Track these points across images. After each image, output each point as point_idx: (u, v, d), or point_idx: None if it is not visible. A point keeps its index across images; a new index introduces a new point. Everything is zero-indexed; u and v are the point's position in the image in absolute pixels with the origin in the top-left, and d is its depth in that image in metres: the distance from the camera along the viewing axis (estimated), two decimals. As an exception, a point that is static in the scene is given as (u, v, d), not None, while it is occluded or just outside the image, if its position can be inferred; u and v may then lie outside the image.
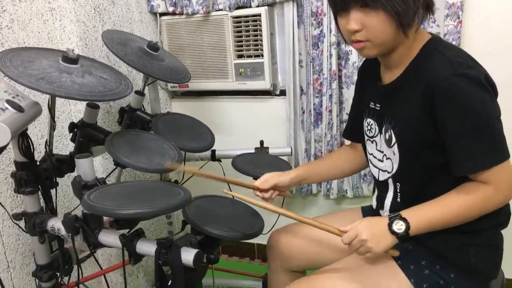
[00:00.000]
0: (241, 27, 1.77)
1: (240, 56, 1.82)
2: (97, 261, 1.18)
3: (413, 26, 0.91)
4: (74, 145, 1.32)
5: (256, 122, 1.97)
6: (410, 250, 1.03)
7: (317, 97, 1.77)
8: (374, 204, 1.16)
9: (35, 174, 1.11)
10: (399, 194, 1.05)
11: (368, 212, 1.23)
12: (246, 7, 1.76)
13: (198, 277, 1.12)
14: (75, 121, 1.34)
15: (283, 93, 1.86)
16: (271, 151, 1.68)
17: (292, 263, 1.26)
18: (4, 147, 0.92)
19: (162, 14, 1.91)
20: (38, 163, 1.16)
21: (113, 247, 1.05)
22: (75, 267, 1.21)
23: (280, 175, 1.20)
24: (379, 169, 1.09)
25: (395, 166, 1.02)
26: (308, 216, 1.07)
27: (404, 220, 0.92)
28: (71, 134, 1.33)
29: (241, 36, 1.78)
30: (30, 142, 1.08)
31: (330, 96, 1.72)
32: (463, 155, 0.90)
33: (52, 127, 1.21)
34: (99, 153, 1.38)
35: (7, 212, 1.28)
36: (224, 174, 1.67)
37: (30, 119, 1.01)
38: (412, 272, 0.99)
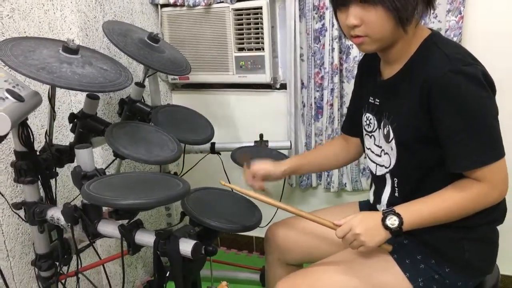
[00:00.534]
0: (242, 19, 1.76)
1: (241, 49, 1.81)
2: (96, 251, 1.19)
3: (412, 22, 0.91)
4: (74, 135, 1.32)
5: (256, 115, 1.97)
6: (405, 245, 1.03)
7: (317, 91, 1.77)
8: (371, 198, 1.17)
9: (35, 164, 1.12)
10: (396, 189, 1.05)
11: (365, 206, 1.23)
12: (248, -1, 1.75)
13: (196, 269, 1.13)
14: (75, 111, 1.34)
15: (283, 86, 1.86)
16: (270, 144, 1.68)
17: (289, 256, 1.27)
18: (4, 137, 0.93)
19: (163, 6, 1.91)
20: (38, 153, 1.17)
21: (112, 238, 1.06)
22: (74, 256, 1.22)
23: (273, 165, 1.22)
24: (377, 164, 1.09)
25: (393, 161, 1.03)
26: (305, 210, 1.08)
27: (398, 215, 0.93)
28: (71, 124, 1.33)
29: (242, 29, 1.78)
30: (30, 132, 1.09)
31: (332, 90, 1.72)
32: (459, 153, 0.90)
33: (52, 117, 1.21)
34: (98, 144, 1.38)
35: (7, 202, 1.29)
36: (224, 167, 1.68)
37: (30, 109, 1.02)
38: (408, 266, 1.00)
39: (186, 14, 1.86)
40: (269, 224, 1.35)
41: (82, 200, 1.06)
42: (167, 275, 1.04)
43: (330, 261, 1.08)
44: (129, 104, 1.50)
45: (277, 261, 1.30)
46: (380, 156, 1.07)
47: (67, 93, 1.56)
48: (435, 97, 0.89)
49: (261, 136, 1.70)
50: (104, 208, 1.11)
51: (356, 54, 1.65)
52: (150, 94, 1.69)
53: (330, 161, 1.30)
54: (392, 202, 1.07)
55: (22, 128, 1.06)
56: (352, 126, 1.25)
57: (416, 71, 0.94)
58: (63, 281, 1.24)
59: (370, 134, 1.10)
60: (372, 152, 1.10)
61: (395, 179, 1.05)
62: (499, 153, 0.89)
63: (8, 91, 0.95)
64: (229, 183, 1.62)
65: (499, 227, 1.04)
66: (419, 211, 0.94)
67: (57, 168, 1.23)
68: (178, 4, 1.85)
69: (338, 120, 1.75)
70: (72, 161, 1.27)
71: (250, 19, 1.75)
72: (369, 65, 1.11)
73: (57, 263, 1.20)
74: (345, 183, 1.85)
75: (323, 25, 1.67)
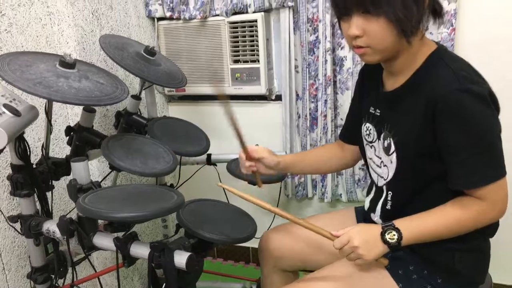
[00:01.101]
0: (237, 32, 1.79)
1: (236, 61, 1.84)
2: (91, 263, 1.19)
3: (417, 34, 0.90)
4: (70, 148, 1.33)
5: (251, 126, 1.98)
6: (399, 256, 1.04)
7: (312, 102, 1.79)
8: (367, 206, 1.16)
9: (31, 177, 1.13)
10: (389, 201, 1.05)
11: (361, 213, 1.23)
12: (243, 13, 1.78)
13: (192, 281, 1.14)
14: (72, 124, 1.35)
15: (278, 98, 1.88)
16: (266, 155, 1.69)
17: (284, 262, 1.27)
18: (1, 151, 0.94)
19: (159, 19, 1.93)
20: (34, 166, 1.18)
21: (107, 250, 1.06)
22: (70, 269, 1.22)
23: (270, 153, 1.19)
24: (378, 175, 1.08)
25: (390, 174, 1.02)
26: (302, 217, 1.07)
27: (397, 230, 0.92)
28: (67, 137, 1.34)
29: (238, 42, 1.80)
30: (26, 145, 1.10)
31: (325, 101, 1.74)
32: (462, 171, 0.90)
33: (49, 130, 1.22)
34: (95, 156, 1.39)
35: (3, 215, 1.29)
36: (219, 179, 1.69)
37: (27, 123, 1.03)
38: (401, 277, 1.01)
39: (182, 27, 1.88)
40: (264, 235, 1.36)
41: (78, 213, 1.07)
42: (163, 287, 1.04)
43: (322, 272, 1.08)
44: (125, 117, 1.51)
45: (272, 268, 1.29)
46: (380, 167, 1.07)
47: (63, 106, 1.57)
48: (440, 114, 0.88)
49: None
50: (100, 221, 1.11)
51: (349, 66, 1.67)
52: (146, 106, 1.70)
53: (324, 165, 1.29)
54: (385, 213, 1.07)
55: (18, 142, 1.07)
56: (349, 134, 1.25)
57: (422, 87, 0.92)
58: (58, 294, 1.24)
59: (370, 144, 1.10)
60: (374, 162, 1.09)
61: (389, 192, 1.05)
62: (501, 172, 0.90)
63: (5, 105, 0.96)
64: (225, 194, 1.63)
65: (492, 238, 1.04)
66: (418, 227, 0.94)
67: (53, 181, 1.24)
68: (174, 17, 1.88)
69: (331, 131, 1.76)
70: (69, 174, 1.27)
71: (245, 31, 1.77)
72: (371, 74, 1.10)
73: (53, 276, 1.20)
74: (340, 194, 1.86)
75: (316, 37, 1.70)
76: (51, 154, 1.31)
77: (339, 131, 1.74)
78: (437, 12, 0.94)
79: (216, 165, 1.70)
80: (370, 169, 1.13)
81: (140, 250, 1.00)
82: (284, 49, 1.74)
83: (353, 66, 1.67)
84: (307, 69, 1.75)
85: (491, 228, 1.02)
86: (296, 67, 1.78)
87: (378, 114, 1.05)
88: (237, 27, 1.78)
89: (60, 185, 1.54)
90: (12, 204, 1.36)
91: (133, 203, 0.99)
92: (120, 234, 1.07)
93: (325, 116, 1.75)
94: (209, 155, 1.68)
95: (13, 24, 1.35)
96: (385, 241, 0.93)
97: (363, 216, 1.20)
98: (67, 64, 1.09)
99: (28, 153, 1.11)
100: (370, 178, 1.15)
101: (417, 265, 1.02)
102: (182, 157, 1.51)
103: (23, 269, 1.41)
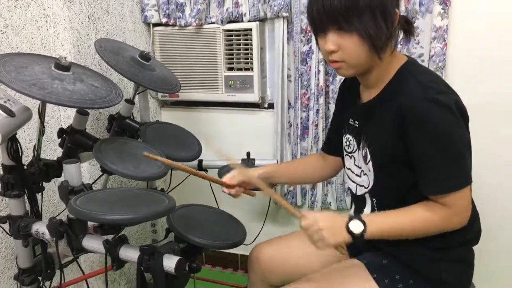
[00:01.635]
0: (232, 40, 1.81)
1: (230, 69, 1.85)
2: (79, 266, 1.19)
3: (387, 50, 0.96)
4: (62, 150, 1.34)
5: (243, 133, 2.00)
6: (384, 265, 1.06)
7: (304, 111, 1.81)
8: None
9: (22, 178, 1.13)
10: (376, 208, 1.08)
11: None
12: (238, 21, 1.80)
13: (180, 286, 1.14)
14: (64, 126, 1.35)
15: (271, 106, 1.90)
16: (257, 162, 1.70)
17: (272, 277, 1.28)
18: (-7, 150, 0.94)
19: (155, 25, 1.95)
20: (25, 167, 1.17)
21: (96, 253, 1.07)
22: (57, 272, 1.21)
23: (248, 171, 1.22)
24: (357, 184, 1.12)
25: (371, 182, 1.06)
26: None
27: (363, 222, 0.94)
28: (59, 139, 1.34)
29: (232, 50, 1.82)
30: (18, 146, 1.10)
31: (317, 110, 1.76)
32: (428, 178, 0.94)
33: (41, 132, 1.22)
34: (86, 159, 1.39)
35: (-8, 215, 1.28)
36: (210, 185, 1.70)
37: (20, 124, 1.03)
38: (386, 286, 1.02)
39: (177, 34, 1.90)
40: (254, 242, 1.37)
41: (67, 215, 1.07)
42: (151, 291, 1.04)
43: (307, 279, 1.09)
44: (118, 120, 1.52)
45: (260, 282, 1.30)
46: (360, 176, 1.10)
47: (56, 108, 1.57)
48: (408, 124, 0.92)
49: (248, 154, 1.72)
50: (89, 223, 1.11)
51: (341, 77, 1.70)
52: (139, 110, 1.71)
53: (305, 175, 1.33)
54: None
55: (11, 142, 1.07)
56: (331, 146, 1.28)
57: (391, 98, 0.97)
58: (45, 296, 1.23)
59: (350, 155, 1.14)
60: (352, 172, 1.13)
61: (374, 199, 1.08)
62: (465, 181, 0.93)
63: (-1, 106, 0.97)
64: (215, 200, 1.64)
65: (476, 247, 1.07)
66: (384, 222, 0.96)
67: (43, 183, 1.24)
68: (170, 23, 1.89)
69: (323, 140, 1.79)
70: (59, 176, 1.27)
71: (240, 40, 1.80)
72: (350, 87, 1.15)
73: (40, 278, 1.19)
74: (330, 202, 1.88)
75: (310, 47, 1.72)
76: (42, 155, 1.30)
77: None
78: (408, 30, 1.01)
79: (207, 171, 1.71)
80: (348, 179, 1.17)
81: (130, 253, 1.01)
82: (278, 58, 1.76)
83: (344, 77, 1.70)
84: (300, 78, 1.78)
85: (473, 235, 1.05)
86: (289, 76, 1.80)
87: (357, 125, 1.10)
88: (232, 35, 1.80)
89: (50, 187, 1.54)
90: (1, 205, 1.35)
91: (124, 206, 1.00)
92: (110, 238, 1.07)
93: (317, 125, 1.78)
94: (200, 161, 1.68)
95: (8, 25, 1.36)
96: (349, 230, 0.94)
97: None
98: (63, 66, 1.10)
99: (20, 154, 1.11)
100: (349, 189, 1.18)
101: (403, 274, 1.03)
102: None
103: (9, 271, 1.40)
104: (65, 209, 1.09)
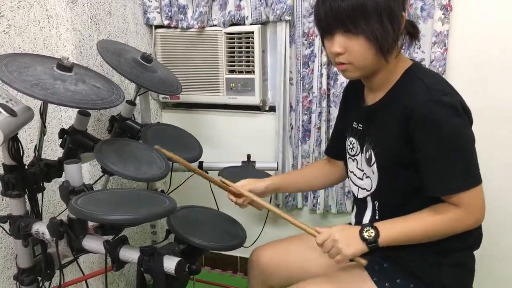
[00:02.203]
0: (234, 43, 1.82)
1: (231, 71, 1.86)
2: (79, 266, 1.19)
3: (393, 52, 0.96)
4: (62, 150, 1.34)
5: (244, 136, 2.00)
6: (385, 268, 1.06)
7: (305, 114, 1.81)
8: (353, 221, 1.19)
9: (23, 178, 1.13)
10: (377, 211, 1.08)
11: None
12: (240, 24, 1.81)
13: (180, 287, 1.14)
14: (65, 127, 1.36)
15: (272, 109, 1.90)
16: (257, 165, 1.71)
17: (272, 280, 1.28)
18: (-5, 150, 0.94)
19: (157, 27, 1.96)
20: (26, 167, 1.18)
21: (96, 253, 1.06)
22: (57, 272, 1.21)
23: (256, 182, 1.23)
24: (359, 187, 1.12)
25: (374, 185, 1.06)
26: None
27: (375, 228, 0.96)
28: (60, 139, 1.34)
29: (234, 52, 1.83)
30: (20, 146, 1.10)
31: (320, 113, 1.76)
32: (436, 178, 0.94)
33: (43, 132, 1.22)
34: (87, 159, 1.39)
35: (-8, 215, 1.28)
36: (211, 186, 1.70)
37: (22, 124, 1.03)
38: (387, 289, 1.02)
39: (179, 36, 1.90)
40: (254, 245, 1.36)
41: (68, 215, 1.07)
42: (150, 292, 1.04)
43: (310, 282, 1.09)
44: (119, 122, 1.52)
45: (260, 285, 1.30)
46: (362, 179, 1.11)
47: (58, 108, 1.57)
48: (414, 125, 0.93)
49: (248, 156, 1.72)
50: (90, 224, 1.11)
51: (343, 80, 1.70)
52: (140, 112, 1.71)
53: (313, 182, 1.34)
54: (373, 223, 1.09)
55: (12, 142, 1.07)
56: (335, 150, 1.28)
57: (397, 100, 0.98)
58: (44, 296, 1.23)
59: (353, 158, 1.14)
60: (355, 175, 1.14)
61: (376, 202, 1.08)
62: (475, 180, 0.93)
63: (1, 105, 0.97)
64: (215, 202, 1.64)
65: (477, 252, 1.07)
66: (396, 228, 0.97)
67: (44, 183, 1.24)
68: (172, 25, 1.90)
69: (325, 143, 1.79)
70: (60, 176, 1.27)
71: (241, 43, 1.80)
72: (354, 91, 1.15)
73: (40, 278, 1.19)
74: (330, 205, 1.87)
75: (312, 51, 1.73)
76: (42, 156, 1.31)
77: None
78: (413, 34, 1.02)
79: (208, 173, 1.71)
80: (351, 182, 1.17)
81: (130, 254, 1.01)
82: (280, 61, 1.76)
83: (346, 80, 1.70)
84: (301, 81, 1.78)
85: (475, 240, 1.04)
86: (290, 79, 1.81)
87: (361, 128, 1.10)
88: (233, 38, 1.81)
89: (50, 187, 1.54)
90: (2, 204, 1.35)
91: (125, 207, 1.00)
92: (109, 238, 1.07)
93: (319, 128, 1.78)
94: (201, 163, 1.68)
95: (11, 25, 1.36)
96: (363, 238, 0.96)
97: None
98: (65, 67, 1.10)
99: (21, 153, 1.11)
100: (351, 192, 1.18)
101: (404, 278, 1.03)
102: (174, 163, 1.51)
103: (9, 271, 1.40)
104: (65, 209, 1.09)
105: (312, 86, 1.76)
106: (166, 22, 1.90)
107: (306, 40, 1.73)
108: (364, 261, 1.02)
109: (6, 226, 1.17)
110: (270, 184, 1.24)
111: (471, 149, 0.94)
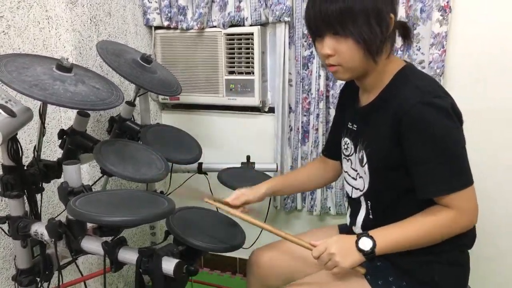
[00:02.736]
0: (233, 44, 1.82)
1: (231, 72, 1.86)
2: (78, 267, 1.18)
3: (382, 54, 0.97)
4: (61, 151, 1.34)
5: (244, 137, 2.00)
6: (378, 266, 1.06)
7: (305, 115, 1.81)
8: (348, 221, 1.20)
9: (22, 179, 1.12)
10: (370, 211, 1.09)
11: (345, 229, 1.26)
12: (240, 25, 1.81)
13: (178, 289, 1.14)
14: (65, 128, 1.36)
15: (271, 110, 1.91)
16: (257, 166, 1.71)
17: (271, 282, 1.28)
18: (-6, 150, 0.94)
19: (157, 28, 1.96)
20: (25, 168, 1.17)
21: (95, 254, 1.06)
22: (55, 273, 1.21)
23: (252, 190, 1.25)
24: (352, 187, 1.13)
25: (366, 185, 1.07)
26: (290, 233, 1.10)
27: (371, 238, 0.96)
28: (59, 140, 1.34)
29: (233, 53, 1.83)
30: (19, 146, 1.10)
31: (318, 115, 1.76)
32: (427, 180, 0.94)
33: (42, 133, 1.22)
34: (86, 160, 1.39)
35: (-9, 215, 1.28)
36: (210, 187, 1.70)
37: (21, 124, 1.03)
38: (380, 287, 1.03)
39: (179, 37, 1.91)
40: (252, 246, 1.36)
41: (67, 216, 1.07)
42: (149, 294, 1.04)
43: (304, 282, 1.11)
44: (119, 122, 1.52)
45: (259, 286, 1.30)
46: (355, 179, 1.11)
47: (57, 109, 1.57)
48: (405, 126, 0.93)
49: (248, 158, 1.72)
50: (89, 225, 1.11)
51: (342, 82, 1.70)
52: (140, 113, 1.71)
53: (309, 183, 1.35)
54: (367, 224, 1.10)
55: (11, 143, 1.07)
56: (332, 150, 1.29)
57: (389, 102, 0.99)
58: (43, 297, 1.23)
59: (347, 158, 1.15)
60: (349, 175, 1.14)
61: (368, 202, 1.09)
62: (466, 181, 0.93)
63: (0, 106, 0.97)
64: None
65: (473, 252, 1.07)
66: (392, 235, 0.97)
67: (43, 183, 1.24)
68: (171, 27, 1.90)
69: (323, 144, 1.79)
70: (59, 177, 1.27)
71: (241, 44, 1.80)
72: (350, 92, 1.16)
73: (38, 279, 1.19)
74: (329, 207, 1.87)
75: (311, 52, 1.73)
76: (42, 156, 1.30)
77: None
78: (405, 35, 1.03)
79: (207, 174, 1.71)
80: (345, 182, 1.18)
81: (128, 255, 1.00)
82: (279, 62, 1.77)
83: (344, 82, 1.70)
84: (301, 83, 1.78)
85: (469, 239, 1.05)
86: (290, 80, 1.81)
87: (355, 129, 1.11)
88: (233, 39, 1.81)
89: (49, 188, 1.54)
90: (0, 205, 1.35)
91: (124, 208, 1.00)
92: (108, 239, 1.07)
93: (317, 129, 1.78)
94: (200, 164, 1.69)
95: (11, 26, 1.36)
96: (359, 249, 0.96)
97: (346, 232, 1.23)
98: (64, 68, 1.10)
99: (20, 154, 1.11)
100: (346, 192, 1.19)
101: (397, 276, 1.04)
102: (174, 164, 1.51)
103: (7, 271, 1.40)
104: (64, 210, 1.09)
105: (311, 88, 1.76)
106: (166, 23, 1.90)
107: (305, 41, 1.74)
108: (363, 270, 1.03)
109: (5, 226, 1.16)
110: (266, 190, 1.26)
111: (461, 151, 0.94)
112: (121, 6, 1.79)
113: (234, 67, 1.85)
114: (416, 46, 1.59)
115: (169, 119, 2.12)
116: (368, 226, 1.08)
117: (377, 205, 1.07)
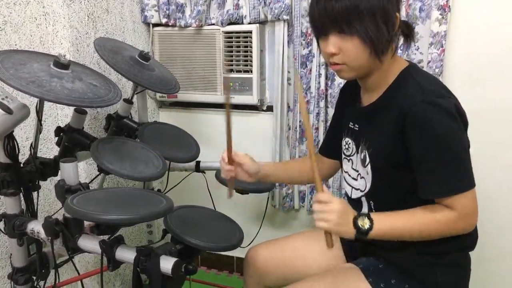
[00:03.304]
0: (232, 42, 1.81)
1: (229, 71, 1.85)
2: (75, 266, 1.18)
3: (387, 53, 0.96)
4: (58, 149, 1.33)
5: (242, 136, 1.98)
6: (380, 269, 1.06)
7: (303, 114, 1.81)
8: None
9: (18, 176, 1.12)
10: (373, 211, 1.08)
11: None
12: (238, 23, 1.80)
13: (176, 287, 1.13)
14: (61, 125, 1.35)
15: (270, 109, 1.90)
16: (255, 165, 1.70)
17: (268, 279, 1.27)
18: (-10, 148, 0.93)
19: (155, 25, 1.94)
20: (21, 165, 1.16)
21: (92, 253, 1.06)
22: (52, 272, 1.20)
23: (252, 160, 1.18)
24: (352, 187, 1.12)
25: (368, 185, 1.06)
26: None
27: (370, 219, 0.93)
28: (56, 138, 1.33)
29: (232, 51, 1.82)
30: (15, 143, 1.09)
31: (318, 114, 1.76)
32: (429, 180, 0.93)
33: (39, 130, 1.21)
34: (83, 158, 1.38)
35: (-14, 213, 1.27)
36: (208, 186, 1.69)
37: (18, 121, 1.02)
38: (382, 289, 1.02)
39: (177, 34, 1.89)
40: (250, 245, 1.36)
41: (63, 214, 1.06)
42: (146, 292, 1.03)
43: (305, 281, 1.09)
44: (116, 120, 1.51)
45: (256, 284, 1.30)
46: (356, 179, 1.10)
47: (54, 106, 1.56)
48: (408, 126, 0.92)
49: (246, 156, 1.72)
50: (86, 223, 1.10)
51: (341, 80, 1.70)
52: (137, 110, 1.70)
53: (301, 176, 1.29)
54: None
55: (7, 140, 1.06)
56: (329, 149, 1.28)
57: (392, 101, 0.98)
58: (39, 296, 1.22)
59: (348, 158, 1.14)
60: (349, 175, 1.14)
61: (371, 202, 1.08)
62: (468, 184, 0.92)
63: (-4, 102, 0.96)
64: (212, 201, 1.63)
65: (474, 253, 1.06)
66: (390, 222, 0.95)
67: (39, 181, 1.23)
68: (170, 24, 1.89)
69: (322, 144, 1.78)
70: (56, 175, 1.26)
71: (239, 42, 1.79)
72: (351, 91, 1.15)
73: (35, 277, 1.18)
74: (327, 206, 1.87)
75: (310, 51, 1.72)
76: (38, 154, 1.29)
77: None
78: (408, 35, 1.02)
79: (204, 173, 1.70)
80: (344, 182, 1.17)
81: (126, 254, 1.00)
82: (278, 61, 1.76)
83: (343, 81, 1.69)
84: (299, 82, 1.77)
85: (471, 241, 1.04)
86: (288, 79, 1.80)
87: (357, 129, 1.10)
88: (231, 37, 1.80)
89: (46, 186, 1.53)
90: (-4, 203, 1.34)
91: (122, 206, 0.99)
92: (105, 238, 1.06)
93: (317, 128, 1.77)
94: (198, 162, 1.68)
95: (7, 22, 1.35)
96: (355, 225, 0.92)
97: None
98: (62, 64, 1.09)
99: (17, 151, 1.10)
100: (345, 192, 1.18)
101: (398, 278, 1.03)
102: (171, 163, 1.51)
103: (3, 270, 1.39)
104: (61, 208, 1.08)
105: (310, 87, 1.75)
106: (164, 21, 1.89)
107: (304, 40, 1.73)
108: (331, 244, 0.94)
109: (1, 224, 1.16)
110: (261, 170, 1.19)
111: (464, 153, 0.93)
112: (119, 2, 1.78)
113: (232, 65, 1.84)
114: (415, 45, 1.59)
115: (166, 117, 2.11)
116: None
117: (381, 205, 1.06)
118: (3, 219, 1.13)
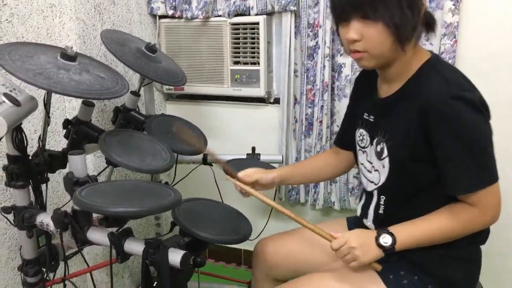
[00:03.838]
0: (239, 34, 1.79)
1: (236, 63, 1.84)
2: (84, 258, 1.18)
3: (411, 41, 0.93)
4: (66, 141, 1.33)
5: (249, 128, 1.98)
6: (389, 260, 1.05)
7: (309, 107, 1.79)
8: (359, 212, 1.18)
9: (27, 169, 1.12)
10: (382, 206, 1.07)
11: (353, 222, 1.24)
12: (245, 15, 1.79)
13: (184, 280, 1.13)
14: (69, 117, 1.35)
15: (277, 101, 1.89)
16: (262, 158, 1.69)
17: (277, 272, 1.27)
18: (-1, 139, 0.93)
19: (161, 17, 1.93)
20: (30, 158, 1.17)
21: (100, 245, 1.06)
22: (61, 263, 1.21)
23: (263, 172, 1.21)
24: (368, 180, 1.11)
25: (382, 179, 1.04)
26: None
27: (392, 234, 0.95)
28: (64, 130, 1.33)
29: (239, 43, 1.81)
30: (24, 136, 1.09)
31: (322, 107, 1.74)
32: (456, 176, 0.92)
33: (46, 122, 1.21)
34: (91, 150, 1.38)
35: (-4, 205, 1.28)
36: (215, 179, 1.69)
37: (26, 113, 1.02)
38: (391, 281, 1.02)
39: (183, 26, 1.88)
40: (258, 237, 1.36)
41: (72, 206, 1.06)
42: (154, 285, 1.03)
43: (317, 274, 1.09)
44: (123, 112, 1.51)
45: (264, 276, 1.30)
46: (370, 172, 1.09)
47: (61, 99, 1.56)
48: (433, 121, 0.90)
49: (253, 149, 1.71)
50: (94, 215, 1.10)
51: (348, 73, 1.68)
52: (144, 103, 1.70)
53: (320, 173, 1.31)
54: (377, 218, 1.08)
55: (16, 132, 1.06)
56: (344, 140, 1.26)
57: (415, 93, 0.95)
58: (49, 287, 1.23)
59: (363, 150, 1.12)
60: (365, 167, 1.12)
61: (382, 196, 1.07)
62: (493, 178, 0.91)
63: (5, 95, 0.95)
64: (220, 194, 1.63)
65: (484, 246, 1.05)
66: (412, 232, 0.96)
67: (48, 174, 1.23)
68: (176, 16, 1.88)
69: (327, 137, 1.77)
70: (64, 167, 1.27)
71: (246, 33, 1.78)
72: (367, 81, 1.12)
73: (44, 269, 1.19)
74: (333, 202, 1.86)
75: (316, 42, 1.70)
76: (46, 146, 1.29)
77: (334, 138, 1.74)
78: (430, 25, 0.99)
79: (212, 165, 1.70)
80: (361, 174, 1.15)
81: (135, 246, 1.00)
82: (285, 52, 1.74)
83: (351, 73, 1.68)
84: (306, 74, 1.76)
85: (482, 235, 1.03)
86: (295, 71, 1.78)
87: (372, 120, 1.08)
88: (238, 29, 1.79)
89: (54, 178, 1.53)
90: (6, 195, 1.35)
91: (130, 199, 0.99)
92: (114, 230, 1.06)
93: (321, 122, 1.76)
94: (205, 155, 1.67)
95: (14, 14, 1.34)
96: (379, 245, 0.95)
97: (355, 224, 1.22)
98: (69, 56, 1.09)
99: (25, 144, 1.10)
100: (362, 184, 1.17)
101: (408, 270, 1.03)
102: (179, 155, 1.50)
103: (13, 261, 1.40)
104: (69, 200, 1.08)
105: (315, 79, 1.73)
106: (170, 12, 1.88)
107: (311, 31, 1.71)
108: (379, 266, 1.02)
109: (10, 217, 1.16)
110: (276, 176, 1.22)
111: (489, 146, 0.91)
112: (125, -6, 1.77)
113: (239, 57, 1.82)
114: (425, 36, 1.56)
115: (173, 109, 2.11)
116: (378, 219, 1.07)
117: (391, 200, 1.05)
118: (12, 212, 1.14)
